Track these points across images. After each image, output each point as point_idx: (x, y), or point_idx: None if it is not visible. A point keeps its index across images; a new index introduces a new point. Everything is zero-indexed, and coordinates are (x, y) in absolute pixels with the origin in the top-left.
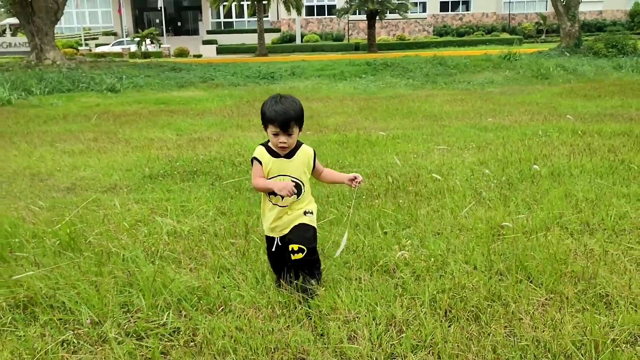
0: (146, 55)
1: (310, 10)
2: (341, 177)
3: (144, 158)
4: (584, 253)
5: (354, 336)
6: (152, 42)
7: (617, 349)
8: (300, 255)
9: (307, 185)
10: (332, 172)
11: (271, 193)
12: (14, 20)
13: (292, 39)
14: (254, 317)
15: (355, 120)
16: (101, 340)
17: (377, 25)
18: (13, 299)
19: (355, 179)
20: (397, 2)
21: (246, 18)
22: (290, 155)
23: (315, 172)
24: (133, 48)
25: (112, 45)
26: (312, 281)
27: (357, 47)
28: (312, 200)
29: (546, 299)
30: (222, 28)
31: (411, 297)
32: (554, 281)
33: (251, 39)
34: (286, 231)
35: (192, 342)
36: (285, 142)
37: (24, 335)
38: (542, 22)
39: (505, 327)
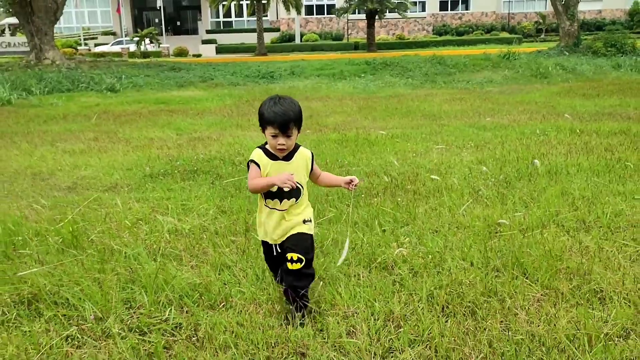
0: (145, 54)
1: (309, 10)
2: (338, 180)
3: (144, 157)
4: (579, 250)
5: (353, 331)
6: (151, 42)
7: (610, 342)
8: (298, 265)
9: (305, 189)
10: (329, 176)
11: (268, 197)
12: (13, 20)
13: (291, 38)
14: (254, 313)
15: (355, 119)
16: (105, 335)
17: (377, 24)
18: (17, 295)
19: (352, 181)
20: (396, 1)
21: (245, 17)
22: (288, 157)
23: (312, 175)
24: (132, 48)
25: (111, 44)
26: (304, 301)
27: (356, 47)
28: (309, 205)
29: (541, 295)
30: (222, 27)
31: (409, 293)
32: (550, 277)
33: (250, 39)
34: (284, 238)
35: (194, 337)
36: (284, 144)
37: (29, 331)
38: (541, 21)
39: (501, 322)
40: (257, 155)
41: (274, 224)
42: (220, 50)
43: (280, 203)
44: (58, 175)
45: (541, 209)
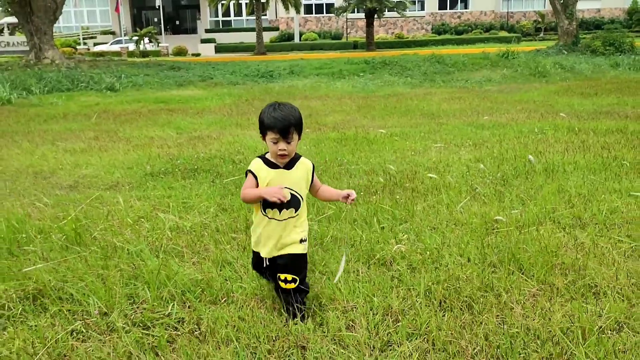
0: (144, 54)
1: (308, 9)
2: (336, 194)
3: (144, 156)
4: (574, 246)
5: (352, 325)
6: (150, 41)
7: (603, 335)
8: (293, 285)
9: (304, 200)
10: (329, 189)
11: (267, 206)
12: (12, 20)
13: (290, 37)
14: (255, 308)
15: (354, 118)
16: (109, 329)
17: (376, 23)
18: (22, 291)
19: (349, 196)
20: (395, 0)
21: (244, 17)
22: (289, 166)
23: (312, 188)
24: (131, 47)
25: (111, 44)
26: (301, 306)
27: (355, 46)
28: (306, 219)
29: (537, 290)
30: (221, 27)
31: (407, 288)
32: (545, 272)
33: (250, 38)
34: (277, 253)
35: (196, 331)
36: (284, 149)
37: (35, 325)
38: (540, 20)
39: (497, 316)
40: (256, 166)
41: (271, 235)
42: (219, 49)
43: (280, 213)
44: (59, 173)
45: (538, 206)
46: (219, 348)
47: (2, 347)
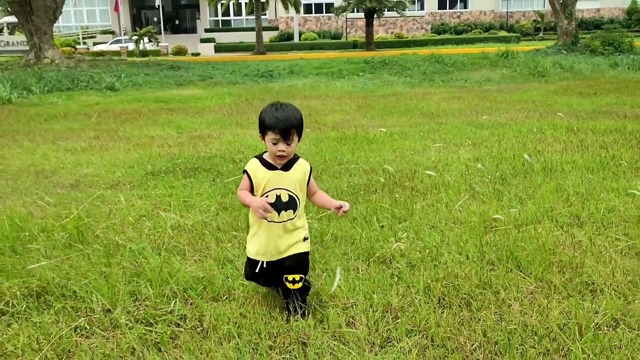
0: (144, 53)
1: (308, 9)
2: (330, 203)
3: (145, 155)
4: (572, 244)
5: (352, 322)
6: (150, 41)
7: (600, 332)
8: (299, 285)
9: (302, 201)
10: (324, 196)
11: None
12: (12, 19)
13: (290, 37)
14: (257, 305)
15: (353, 117)
16: (113, 326)
17: (375, 23)
18: (26, 288)
19: (341, 207)
20: (395, 0)
21: (244, 16)
22: (287, 167)
23: (309, 190)
24: (131, 46)
25: (110, 43)
26: (302, 304)
27: (355, 45)
28: (305, 217)
29: (535, 287)
30: (220, 26)
31: (406, 285)
32: (543, 270)
33: (249, 37)
34: (282, 255)
35: (199, 327)
36: (284, 151)
37: (39, 322)
38: (539, 20)
39: (495, 312)
40: (252, 166)
41: (271, 238)
42: (219, 49)
43: (279, 215)
44: (61, 173)
45: (536, 205)
46: (221, 344)
47: (7, 343)
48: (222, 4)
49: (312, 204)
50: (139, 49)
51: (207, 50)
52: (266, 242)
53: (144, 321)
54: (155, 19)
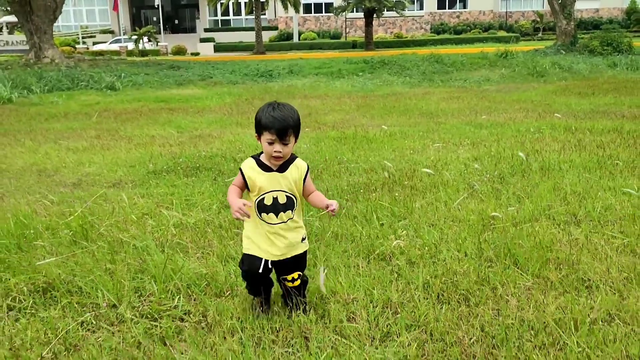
0: (144, 53)
1: (307, 8)
2: (321, 202)
3: (147, 154)
4: (568, 241)
5: (353, 317)
6: (149, 40)
7: (595, 326)
8: (298, 282)
9: (299, 201)
10: (319, 196)
11: (262, 211)
12: (11, 18)
13: (289, 36)
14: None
15: (353, 117)
16: (118, 321)
17: (375, 23)
18: (32, 284)
19: (329, 206)
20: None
21: (243, 16)
22: (282, 169)
23: (305, 191)
24: (130, 46)
25: (110, 43)
26: (302, 299)
27: (354, 45)
28: (302, 216)
29: (532, 283)
30: (220, 26)
31: (406, 282)
32: (540, 267)
33: (248, 37)
34: (286, 257)
35: (202, 322)
36: (280, 152)
37: (46, 317)
38: (539, 20)
39: (493, 308)
40: (247, 165)
41: (273, 239)
42: (218, 48)
43: (277, 217)
44: (63, 172)
45: (533, 204)
46: (225, 338)
47: (16, 337)
48: (221, 4)
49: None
50: (139, 48)
51: (207, 50)
52: (268, 243)
53: (148, 316)
54: (154, 19)
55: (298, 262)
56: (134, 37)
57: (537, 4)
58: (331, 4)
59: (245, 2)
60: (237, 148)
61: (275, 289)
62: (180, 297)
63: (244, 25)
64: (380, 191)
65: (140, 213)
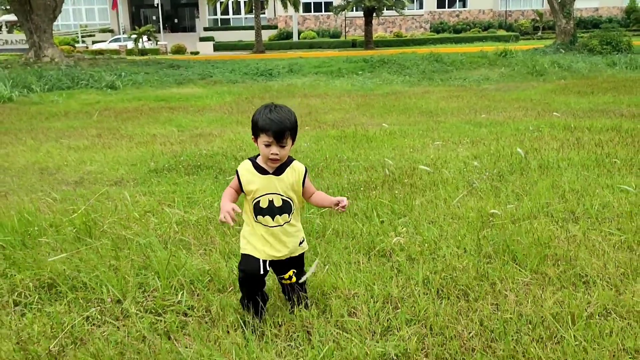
0: (143, 52)
1: (307, 7)
2: (329, 200)
3: (148, 153)
4: (566, 238)
5: (354, 312)
6: (149, 39)
7: (592, 320)
8: (294, 279)
9: (297, 204)
10: (321, 196)
11: (258, 214)
12: (10, 17)
13: (289, 35)
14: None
15: (353, 116)
16: (123, 315)
17: (374, 22)
18: (38, 280)
19: (339, 203)
20: None
21: (243, 15)
22: (279, 172)
23: (305, 193)
24: (130, 45)
25: (109, 42)
26: (304, 293)
27: (354, 44)
28: (300, 219)
29: (530, 279)
30: (219, 25)
31: (406, 277)
32: (538, 263)
33: (248, 36)
34: (286, 257)
35: (206, 317)
36: (277, 154)
37: (52, 312)
38: (538, 19)
39: (492, 303)
40: (243, 168)
41: (270, 241)
42: (218, 47)
43: (273, 219)
44: (65, 170)
45: (532, 201)
46: (229, 332)
47: (23, 331)
48: (221, 3)
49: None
50: (138, 47)
51: (206, 49)
52: (269, 245)
53: (153, 311)
54: (154, 18)
55: (295, 261)
56: (134, 36)
57: (537, 3)
58: (331, 3)
59: (244, 1)
60: (238, 146)
61: (276, 286)
62: (183, 292)
63: (243, 24)
64: (381, 189)
65: (143, 211)
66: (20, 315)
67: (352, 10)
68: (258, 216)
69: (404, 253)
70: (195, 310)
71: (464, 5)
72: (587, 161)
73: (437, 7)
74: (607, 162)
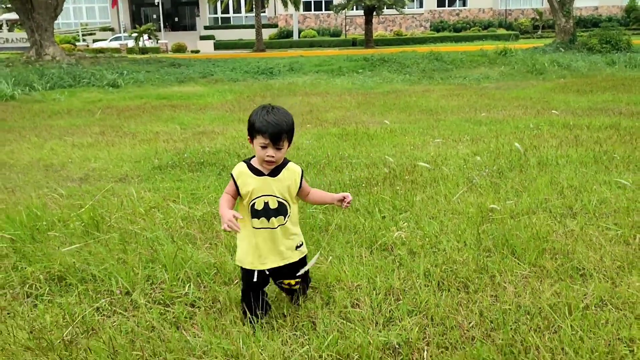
0: (144, 51)
1: (307, 6)
2: (330, 197)
3: (151, 150)
4: (564, 233)
5: (357, 303)
6: (149, 38)
7: (588, 311)
8: (298, 286)
9: (293, 206)
10: (320, 193)
11: (254, 217)
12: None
13: (289, 34)
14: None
15: (354, 114)
16: (132, 306)
17: (374, 20)
18: (48, 272)
19: (344, 199)
20: None
21: (243, 13)
22: (274, 173)
23: (301, 193)
24: (130, 44)
25: (110, 41)
26: (304, 296)
27: (354, 43)
28: (298, 223)
29: (528, 272)
30: (220, 23)
31: (407, 270)
32: (536, 256)
33: (248, 35)
34: (280, 264)
35: (213, 308)
36: (273, 157)
37: (63, 303)
38: (538, 17)
39: (491, 295)
40: (238, 171)
41: (265, 245)
42: (219, 46)
43: (268, 221)
44: (69, 167)
45: (531, 197)
46: (236, 323)
47: (35, 321)
48: (221, 2)
49: (307, 202)
50: (139, 46)
51: (207, 47)
52: (264, 249)
53: (161, 302)
54: (154, 16)
55: (294, 268)
56: (134, 34)
57: (537, 1)
58: (331, 1)
59: (245, 0)
60: (240, 144)
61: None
62: (190, 284)
63: (243, 23)
64: (382, 185)
65: (148, 206)
66: (32, 306)
67: (353, 9)
68: (253, 219)
69: (405, 247)
70: (202, 301)
71: (464, 4)
72: (585, 158)
73: (437, 6)
74: (605, 159)
